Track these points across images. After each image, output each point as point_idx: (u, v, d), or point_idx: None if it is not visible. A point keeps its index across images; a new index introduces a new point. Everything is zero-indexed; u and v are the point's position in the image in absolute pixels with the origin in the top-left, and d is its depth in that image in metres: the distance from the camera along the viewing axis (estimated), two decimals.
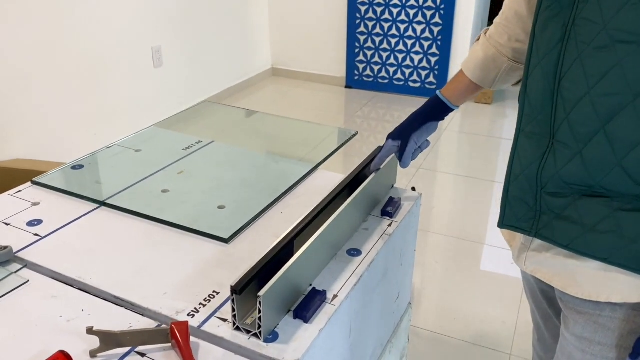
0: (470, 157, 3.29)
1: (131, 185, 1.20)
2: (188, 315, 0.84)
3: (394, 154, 1.10)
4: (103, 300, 0.88)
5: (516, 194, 0.76)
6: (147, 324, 0.83)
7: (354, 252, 0.99)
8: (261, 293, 0.76)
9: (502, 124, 3.78)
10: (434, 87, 4.08)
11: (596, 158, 0.66)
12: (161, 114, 3.45)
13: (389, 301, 1.15)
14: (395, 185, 1.24)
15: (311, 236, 0.97)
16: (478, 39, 1.00)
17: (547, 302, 0.93)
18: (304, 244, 0.94)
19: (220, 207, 1.13)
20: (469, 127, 3.77)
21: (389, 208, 1.12)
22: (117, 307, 0.87)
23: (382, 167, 1.12)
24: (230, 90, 4.14)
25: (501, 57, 0.95)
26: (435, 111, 1.04)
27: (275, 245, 0.86)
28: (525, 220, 0.76)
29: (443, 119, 1.05)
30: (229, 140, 1.54)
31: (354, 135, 1.50)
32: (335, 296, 0.88)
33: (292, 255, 0.90)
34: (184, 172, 1.28)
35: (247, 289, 0.78)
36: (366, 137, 3.59)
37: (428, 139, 1.08)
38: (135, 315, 0.85)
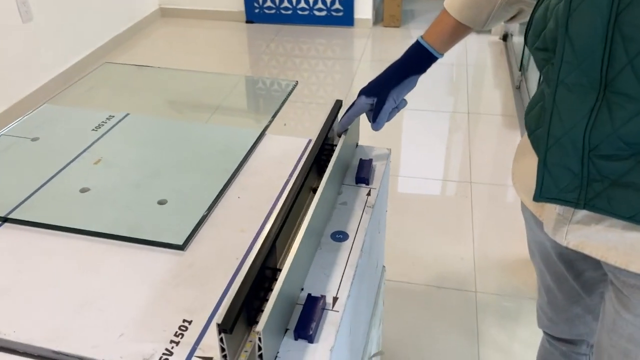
0: None
1: (38, 189, 0.95)
2: None
3: (364, 113, 0.93)
4: None
5: (557, 160, 0.63)
6: None
7: (340, 236, 0.84)
8: (260, 328, 0.59)
9: None
10: (340, 14, 3.88)
11: None
12: (38, 76, 3.01)
13: (372, 275, 1.03)
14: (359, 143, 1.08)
15: (292, 230, 0.80)
16: None
17: (565, 264, 0.84)
18: (286, 242, 0.78)
19: (161, 202, 0.92)
20: (380, 54, 3.65)
21: (363, 173, 0.96)
22: None
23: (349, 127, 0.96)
24: (116, 40, 3.68)
25: None
26: (417, 62, 0.87)
27: (256, 257, 0.68)
28: (569, 191, 0.64)
29: (425, 70, 0.89)
30: (144, 109, 1.29)
31: (295, 86, 1.31)
32: (335, 299, 0.73)
33: (276, 261, 0.73)
34: (101, 160, 1.03)
35: (237, 322, 0.61)
36: (276, 76, 3.36)
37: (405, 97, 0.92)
38: None
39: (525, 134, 0.80)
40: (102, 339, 0.68)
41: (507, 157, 2.45)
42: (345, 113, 0.94)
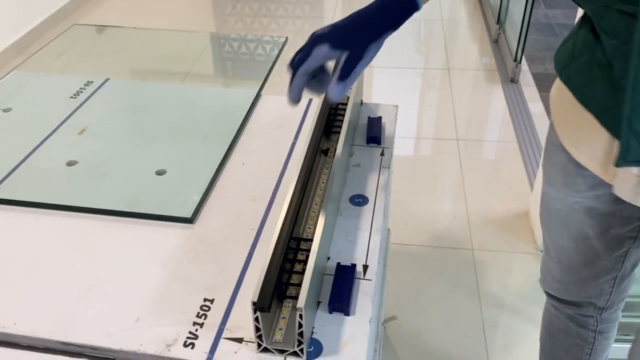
0: None
1: (19, 164, 0.86)
2: (185, 345, 0.59)
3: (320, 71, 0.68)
4: (44, 354, 0.60)
5: None
6: None
7: (360, 200, 0.78)
8: (301, 304, 0.53)
9: None
10: None
11: None
12: None
13: (385, 238, 0.98)
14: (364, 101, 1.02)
15: (309, 197, 0.74)
16: None
17: (593, 220, 0.79)
18: (305, 210, 0.72)
19: (160, 173, 0.84)
20: (352, 11, 3.54)
21: (374, 132, 0.90)
22: (71, 358, 0.60)
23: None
24: (73, 3, 3.46)
25: None
26: (396, 13, 0.66)
27: (282, 228, 0.62)
28: None
29: (400, 26, 0.67)
30: (124, 73, 1.19)
31: (285, 43, 1.23)
32: (365, 267, 0.68)
33: (299, 231, 0.68)
34: (86, 129, 0.94)
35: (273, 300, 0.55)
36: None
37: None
38: None
39: (556, 84, 0.75)
40: (115, 325, 0.61)
41: (491, 112, 2.42)
42: (293, 70, 0.65)
